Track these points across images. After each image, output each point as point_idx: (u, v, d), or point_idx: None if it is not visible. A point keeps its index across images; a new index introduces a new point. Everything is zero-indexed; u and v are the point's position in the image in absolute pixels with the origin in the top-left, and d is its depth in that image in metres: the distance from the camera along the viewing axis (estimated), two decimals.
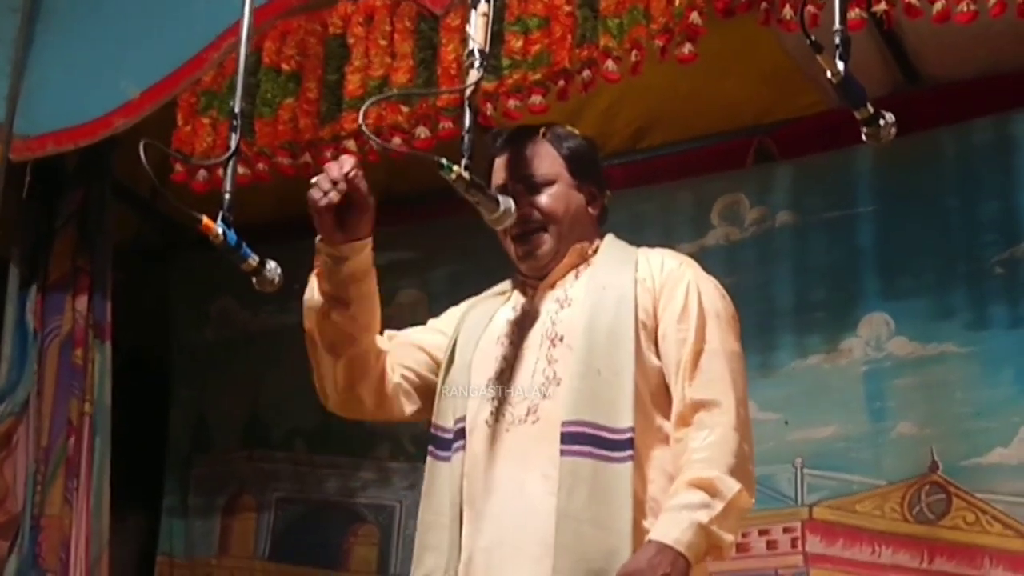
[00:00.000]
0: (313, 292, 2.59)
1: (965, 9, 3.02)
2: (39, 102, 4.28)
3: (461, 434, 2.54)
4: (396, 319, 2.86)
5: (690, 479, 2.33)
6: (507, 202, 2.49)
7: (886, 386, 4.35)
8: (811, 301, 4.55)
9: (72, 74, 4.25)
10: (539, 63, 3.44)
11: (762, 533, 4.41)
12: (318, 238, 2.52)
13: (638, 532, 2.34)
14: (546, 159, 2.69)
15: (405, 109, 3.58)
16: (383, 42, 3.67)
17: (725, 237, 4.70)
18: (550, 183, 2.66)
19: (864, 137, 2.17)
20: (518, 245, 2.65)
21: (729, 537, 2.33)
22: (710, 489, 2.32)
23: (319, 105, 3.72)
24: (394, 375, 2.71)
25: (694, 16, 3.27)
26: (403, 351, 2.75)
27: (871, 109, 2.14)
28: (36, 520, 4.35)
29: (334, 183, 2.44)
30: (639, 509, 2.37)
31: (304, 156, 3.76)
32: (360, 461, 5.17)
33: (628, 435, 2.38)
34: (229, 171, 2.46)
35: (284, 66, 3.78)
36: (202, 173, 3.79)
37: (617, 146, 4.83)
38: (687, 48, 3.32)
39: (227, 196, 2.45)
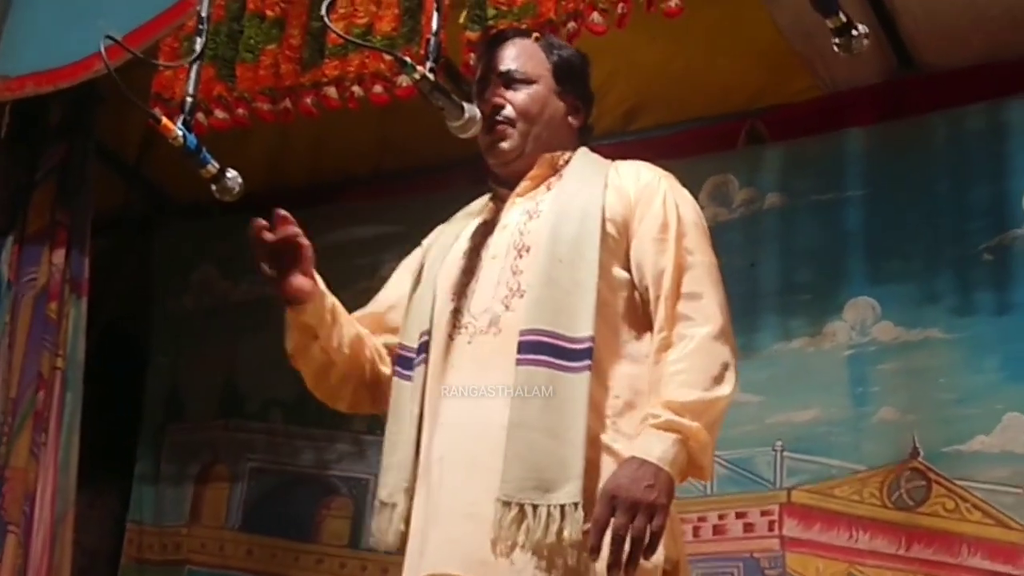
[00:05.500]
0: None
1: None
2: (21, 44, 4.26)
3: (424, 348, 2.49)
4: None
5: (668, 401, 2.26)
6: (472, 110, 2.44)
7: (869, 371, 4.31)
8: (797, 283, 4.51)
9: (54, 17, 4.22)
10: (525, 13, 3.41)
11: (739, 516, 4.36)
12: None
13: (594, 444, 2.28)
14: (532, 59, 2.67)
15: (387, 57, 3.54)
16: None
17: (713, 218, 4.64)
18: (530, 82, 2.63)
19: (835, 47, 2.12)
20: (484, 135, 2.59)
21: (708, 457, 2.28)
22: (691, 410, 2.25)
23: (301, 52, 3.70)
24: (383, 364, 2.68)
25: None
26: (375, 329, 2.72)
27: (843, 18, 2.09)
28: (0, 471, 4.30)
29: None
30: (598, 421, 2.31)
31: (284, 102, 3.72)
32: (335, 433, 5.12)
33: (586, 344, 2.31)
34: (192, 75, 2.42)
35: (268, 12, 3.76)
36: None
37: (607, 126, 4.76)
38: (674, 1, 3.28)
39: (189, 100, 2.41)
